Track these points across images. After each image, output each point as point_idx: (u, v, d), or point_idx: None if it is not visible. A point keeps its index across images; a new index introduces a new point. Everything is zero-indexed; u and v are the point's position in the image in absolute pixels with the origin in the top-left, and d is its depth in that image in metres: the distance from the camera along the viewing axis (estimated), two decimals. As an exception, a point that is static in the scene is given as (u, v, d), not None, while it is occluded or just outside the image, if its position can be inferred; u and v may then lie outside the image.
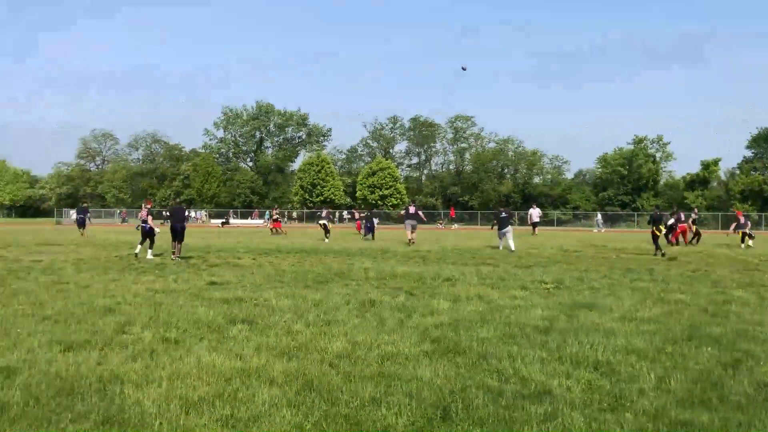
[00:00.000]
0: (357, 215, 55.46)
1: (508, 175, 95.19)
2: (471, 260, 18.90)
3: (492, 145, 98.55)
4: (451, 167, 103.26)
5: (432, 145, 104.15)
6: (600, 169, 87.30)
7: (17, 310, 9.07)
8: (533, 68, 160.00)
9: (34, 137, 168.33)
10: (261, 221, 71.72)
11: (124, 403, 4.92)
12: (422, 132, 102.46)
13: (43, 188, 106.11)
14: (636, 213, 75.64)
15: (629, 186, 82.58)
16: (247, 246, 25.53)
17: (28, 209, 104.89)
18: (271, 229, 41.84)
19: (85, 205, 42.91)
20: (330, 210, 36.44)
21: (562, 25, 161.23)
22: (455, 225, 69.78)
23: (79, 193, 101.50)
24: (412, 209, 29.16)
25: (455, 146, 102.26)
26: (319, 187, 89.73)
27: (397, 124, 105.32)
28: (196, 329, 7.88)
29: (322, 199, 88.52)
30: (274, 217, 43.07)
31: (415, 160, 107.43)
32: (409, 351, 6.78)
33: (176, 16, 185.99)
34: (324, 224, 33.32)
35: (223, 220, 63.49)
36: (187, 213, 20.72)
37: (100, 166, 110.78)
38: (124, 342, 7.13)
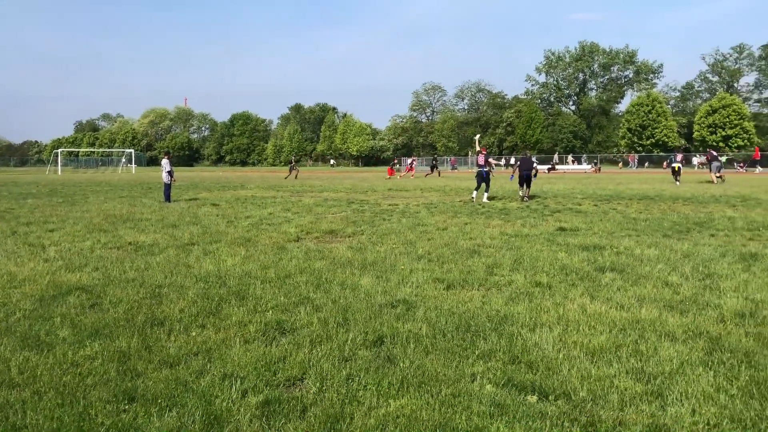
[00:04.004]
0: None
1: None
2: None
3: None
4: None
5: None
6: None
7: (394, 249, 9.98)
8: None
9: (373, 94, 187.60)
10: (588, 167, 69.53)
11: (524, 344, 4.98)
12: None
13: (382, 139, 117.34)
14: None
15: None
16: (584, 192, 24.85)
17: (371, 158, 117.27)
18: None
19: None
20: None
21: None
22: (759, 168, 59.24)
23: (412, 143, 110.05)
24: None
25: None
26: (649, 129, 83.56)
27: (744, 54, 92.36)
28: (564, 275, 7.75)
29: (653, 141, 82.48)
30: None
31: (766, 93, 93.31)
32: (831, 315, 5.74)
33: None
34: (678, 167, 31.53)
35: (549, 166, 62.97)
36: (535, 164, 21.72)
37: (430, 117, 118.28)
38: (497, 283, 7.32)
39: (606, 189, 26.94)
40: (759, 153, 63.73)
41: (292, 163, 49.51)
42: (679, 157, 32.20)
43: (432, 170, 52.49)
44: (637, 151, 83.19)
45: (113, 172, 78.51)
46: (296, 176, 46.15)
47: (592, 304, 6.22)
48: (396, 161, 50.64)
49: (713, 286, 7.05)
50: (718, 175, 33.28)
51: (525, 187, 21.16)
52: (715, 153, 36.06)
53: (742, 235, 11.24)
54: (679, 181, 30.80)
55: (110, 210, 17.43)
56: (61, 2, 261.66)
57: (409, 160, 49.65)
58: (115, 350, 4.92)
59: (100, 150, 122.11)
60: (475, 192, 20.98)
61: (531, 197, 21.48)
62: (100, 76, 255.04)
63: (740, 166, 61.31)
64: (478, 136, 24.49)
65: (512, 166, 53.21)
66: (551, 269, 8.10)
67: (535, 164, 22.41)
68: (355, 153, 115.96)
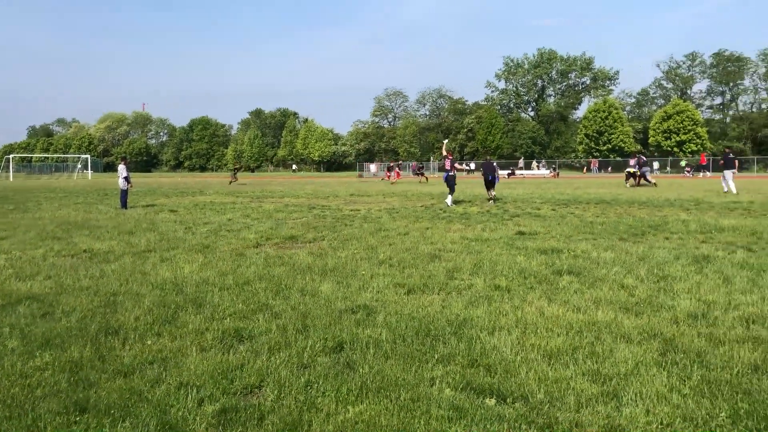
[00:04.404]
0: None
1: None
2: (811, 212, 16.20)
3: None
4: (763, 107, 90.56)
5: (739, 82, 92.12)
6: None
7: (355, 254, 9.95)
8: None
9: (334, 99, 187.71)
10: (547, 172, 70.59)
11: (483, 348, 5.00)
12: (727, 68, 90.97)
13: (344, 145, 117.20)
14: None
15: None
16: (542, 196, 25.21)
17: (333, 164, 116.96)
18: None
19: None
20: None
21: None
22: (703, 173, 61.73)
23: (375, 148, 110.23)
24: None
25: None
26: (606, 134, 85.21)
27: (696, 61, 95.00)
28: (522, 278, 7.83)
29: (609, 147, 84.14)
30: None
31: (718, 100, 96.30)
32: (778, 315, 5.91)
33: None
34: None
35: (509, 171, 63.72)
36: (495, 166, 23.23)
37: (392, 123, 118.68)
38: (457, 287, 7.35)
39: (564, 193, 27.37)
40: (705, 159, 66.08)
41: (236, 169, 51.34)
42: (633, 161, 33.78)
43: (422, 175, 51.52)
44: (594, 156, 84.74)
45: (68, 178, 76.76)
46: (230, 182, 46.77)
47: (550, 307, 6.29)
48: (393, 164, 52.50)
49: (667, 288, 7.20)
50: (643, 181, 34.22)
51: (491, 189, 22.74)
52: (645, 159, 37.49)
53: (695, 238, 11.51)
54: (634, 185, 31.96)
55: (64, 217, 17.02)
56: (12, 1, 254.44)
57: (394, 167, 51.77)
58: (66, 360, 4.79)
59: (55, 156, 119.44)
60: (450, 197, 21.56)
61: (495, 200, 22.77)
62: (54, 80, 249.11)
63: (687, 171, 63.22)
64: (446, 141, 25.35)
65: (472, 171, 54.36)
66: (510, 273, 8.18)
67: (497, 169, 23.44)
68: (317, 158, 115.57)
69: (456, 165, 22.26)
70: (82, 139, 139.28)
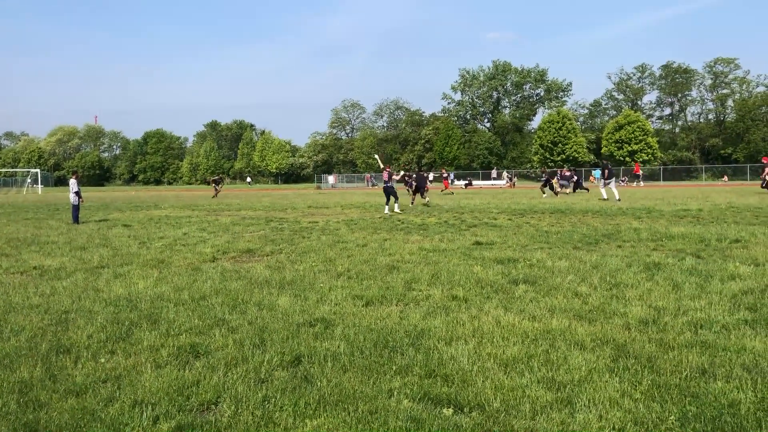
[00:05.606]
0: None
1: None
2: (756, 219, 16.78)
3: (761, 89, 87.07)
4: (710, 117, 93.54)
5: (687, 93, 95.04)
6: None
7: (313, 267, 9.93)
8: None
9: (291, 111, 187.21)
10: (503, 182, 71.54)
11: (441, 358, 5.05)
12: (675, 79, 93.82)
13: (302, 156, 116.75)
14: None
15: None
16: (499, 206, 25.54)
17: (291, 176, 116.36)
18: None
19: None
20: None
21: None
22: (637, 183, 63.97)
23: (333, 160, 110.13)
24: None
25: (715, 93, 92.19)
26: (560, 145, 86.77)
27: (646, 73, 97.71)
28: (479, 288, 7.92)
29: (563, 157, 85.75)
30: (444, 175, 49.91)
31: (667, 111, 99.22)
32: (724, 319, 6.10)
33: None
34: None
35: (466, 182, 64.40)
36: (427, 176, 28.44)
37: (350, 135, 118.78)
38: (415, 298, 7.40)
39: (520, 203, 27.79)
40: (639, 168, 68.47)
41: (216, 180, 47.48)
42: (568, 174, 39.15)
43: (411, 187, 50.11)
44: (549, 167, 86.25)
45: (17, 193, 74.57)
46: (214, 196, 44.55)
47: (506, 316, 6.38)
48: (446, 173, 51.23)
49: (619, 295, 7.37)
50: (566, 191, 38.41)
51: (420, 195, 28.56)
52: (570, 172, 40.66)
53: (646, 246, 11.80)
54: (547, 194, 35.84)
55: (13, 233, 16.55)
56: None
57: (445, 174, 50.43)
58: (16, 381, 4.67)
59: (3, 170, 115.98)
60: (386, 206, 23.40)
61: (426, 205, 27.77)
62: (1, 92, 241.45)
63: (622, 181, 65.26)
64: (377, 155, 28.27)
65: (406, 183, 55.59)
66: (467, 283, 8.26)
67: (428, 180, 28.08)
68: (274, 170, 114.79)
69: (394, 176, 24.48)
70: (32, 152, 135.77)
